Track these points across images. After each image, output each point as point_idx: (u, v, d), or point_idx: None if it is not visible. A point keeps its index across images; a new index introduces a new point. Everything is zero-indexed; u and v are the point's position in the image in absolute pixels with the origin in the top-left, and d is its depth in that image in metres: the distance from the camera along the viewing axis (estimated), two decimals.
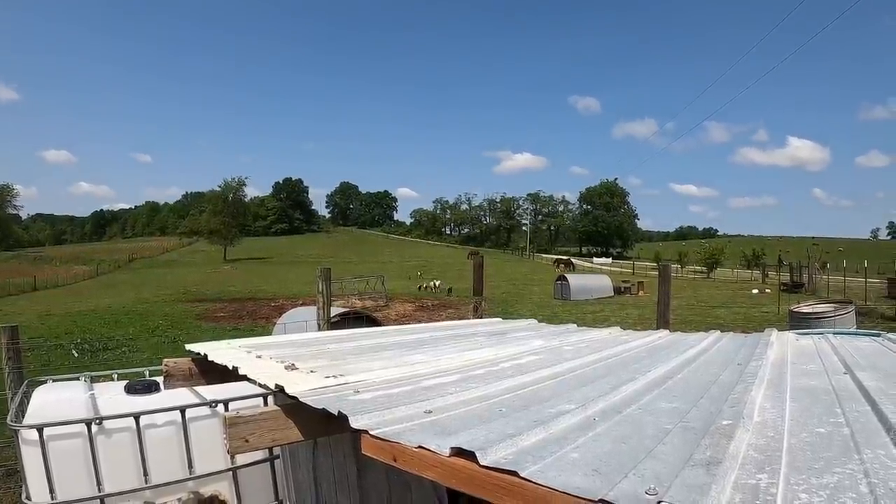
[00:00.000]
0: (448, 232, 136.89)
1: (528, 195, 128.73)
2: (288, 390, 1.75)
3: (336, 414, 1.46)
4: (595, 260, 77.34)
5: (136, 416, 3.19)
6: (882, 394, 1.65)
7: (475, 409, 1.52)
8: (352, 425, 1.37)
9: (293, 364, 2.19)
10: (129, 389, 3.57)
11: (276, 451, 3.48)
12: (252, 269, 60.39)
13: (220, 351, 2.61)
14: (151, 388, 3.57)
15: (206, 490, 3.43)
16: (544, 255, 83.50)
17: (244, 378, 2.15)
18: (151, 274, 57.08)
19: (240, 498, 3.52)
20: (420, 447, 1.21)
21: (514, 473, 1.02)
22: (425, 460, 1.19)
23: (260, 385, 2.03)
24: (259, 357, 2.43)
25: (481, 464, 1.07)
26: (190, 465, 3.34)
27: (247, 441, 1.58)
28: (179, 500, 3.34)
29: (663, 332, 3.72)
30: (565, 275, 34.17)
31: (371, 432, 1.33)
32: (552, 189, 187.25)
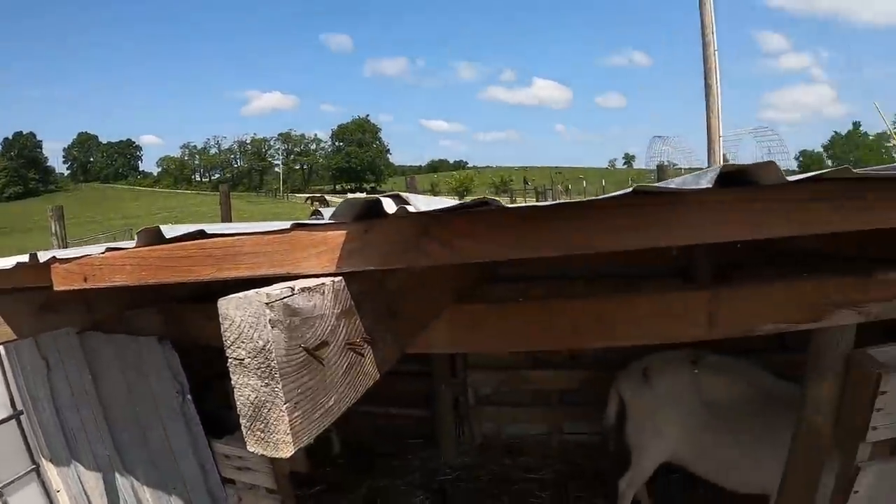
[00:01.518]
0: (199, 178, 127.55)
1: (280, 135, 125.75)
2: None
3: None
4: (349, 196, 77.94)
5: None
6: None
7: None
8: (40, 260, 1.41)
9: None
10: None
11: (19, 404, 3.04)
12: None
13: None
14: None
15: None
16: (298, 195, 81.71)
17: None
18: None
19: None
20: (108, 249, 1.27)
21: (201, 233, 1.06)
22: (114, 263, 1.22)
23: None
24: None
25: (168, 237, 1.11)
26: None
27: None
28: None
29: None
30: (320, 209, 35.59)
31: (59, 257, 1.36)
32: (304, 128, 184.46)
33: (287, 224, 1.04)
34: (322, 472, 3.84)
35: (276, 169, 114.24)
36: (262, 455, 0.75)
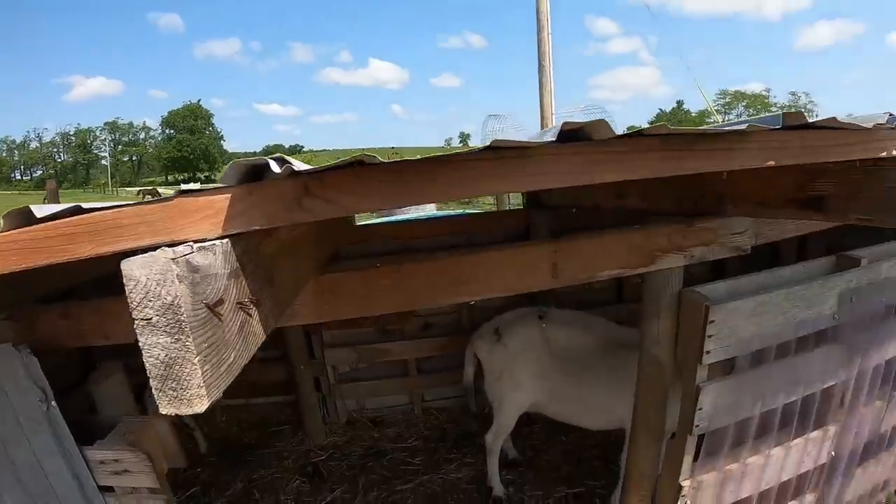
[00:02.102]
0: (19, 176, 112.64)
1: (106, 124, 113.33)
2: None
3: None
4: (183, 187, 71.63)
5: None
6: None
7: None
8: None
9: None
10: None
11: None
12: None
13: None
14: None
15: None
16: (129, 189, 73.00)
17: None
18: None
19: None
20: None
21: (77, 209, 0.94)
22: None
23: None
24: None
25: (39, 217, 0.95)
26: None
27: None
28: None
29: None
30: None
31: None
32: (132, 116, 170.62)
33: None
34: (193, 473, 3.57)
35: (104, 162, 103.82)
36: (173, 412, 0.75)
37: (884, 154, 1.46)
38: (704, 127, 1.27)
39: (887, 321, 2.50)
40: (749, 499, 2.33)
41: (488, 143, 1.06)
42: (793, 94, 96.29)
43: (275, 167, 0.95)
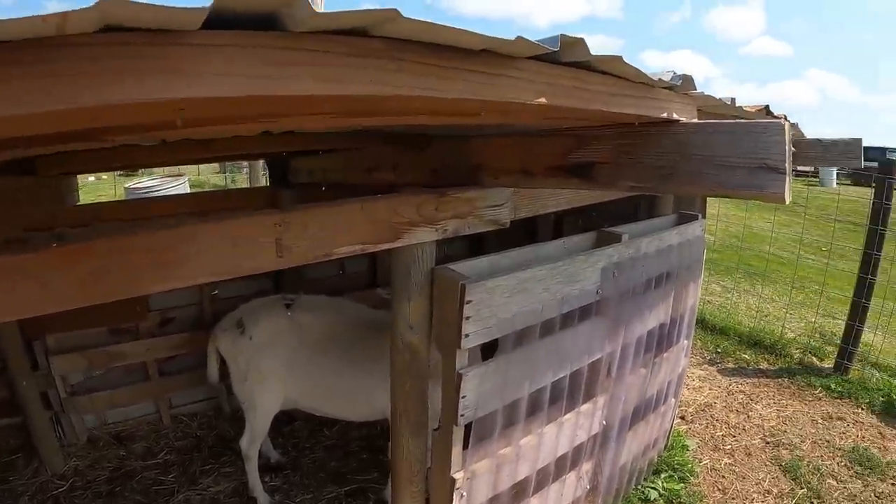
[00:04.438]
0: None
1: None
2: None
3: None
4: None
5: None
6: None
7: None
8: None
9: None
10: None
11: None
12: None
13: None
14: None
15: None
16: None
17: None
18: None
19: None
20: None
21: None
22: None
23: None
24: None
25: None
26: None
27: None
28: None
29: None
30: None
31: None
32: None
33: None
34: None
35: None
36: None
37: (664, 115, 1.34)
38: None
39: (647, 294, 2.59)
40: (527, 479, 2.25)
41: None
42: None
43: None
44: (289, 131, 2.01)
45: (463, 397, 1.78)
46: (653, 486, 3.15)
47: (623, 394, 2.62)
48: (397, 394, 1.93)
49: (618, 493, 2.95)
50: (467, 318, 1.68)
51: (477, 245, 4.18)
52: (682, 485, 3.19)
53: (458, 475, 1.94)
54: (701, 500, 3.11)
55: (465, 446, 1.93)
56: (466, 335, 1.70)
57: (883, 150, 19.43)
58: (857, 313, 4.51)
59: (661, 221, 2.91)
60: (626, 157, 1.39)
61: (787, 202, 1.14)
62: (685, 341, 3.18)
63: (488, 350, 2.01)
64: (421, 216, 1.64)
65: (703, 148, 1.24)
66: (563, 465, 2.46)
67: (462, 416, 1.81)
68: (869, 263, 4.46)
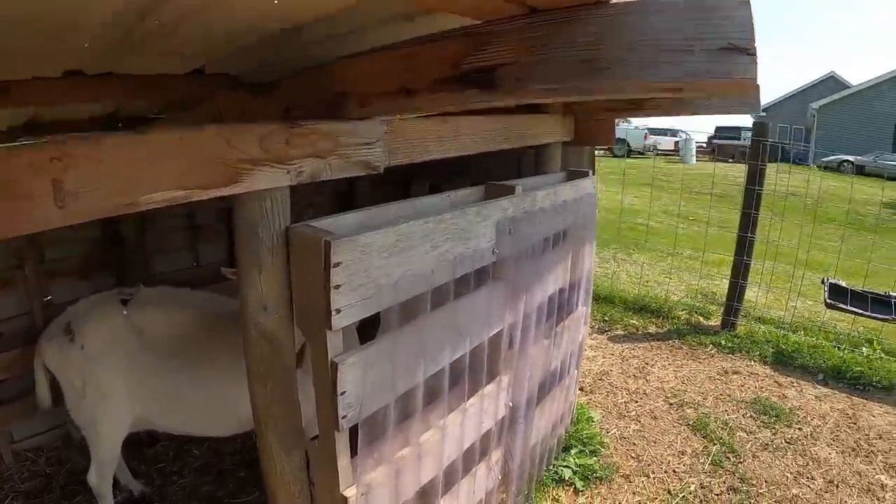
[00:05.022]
0: None
1: None
2: None
3: None
4: None
5: None
6: None
7: None
8: None
9: None
10: None
11: None
12: None
13: None
14: None
15: None
16: None
17: None
18: None
19: None
20: None
21: None
22: None
23: None
24: None
25: None
26: None
27: None
28: None
29: None
30: None
31: None
32: None
33: None
34: None
35: None
36: None
37: None
38: None
39: (546, 255, 2.35)
40: (433, 481, 1.90)
41: None
42: None
43: None
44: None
45: (342, 394, 1.38)
46: (565, 464, 2.94)
47: (528, 369, 2.36)
48: (259, 400, 1.49)
49: (531, 478, 2.70)
50: (337, 286, 1.28)
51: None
52: (594, 458, 3.01)
53: (350, 492, 1.54)
54: (616, 471, 2.95)
55: (354, 453, 1.54)
56: (337, 310, 1.30)
57: (738, 129, 21.73)
58: (740, 270, 4.66)
59: (552, 177, 2.70)
60: (539, 54, 1.07)
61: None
62: (584, 308, 3.01)
63: (368, 330, 1.63)
64: (267, 152, 1.21)
65: (646, 30, 0.95)
66: (471, 458, 2.14)
67: (344, 417, 1.41)
68: (748, 222, 4.63)
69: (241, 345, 2.11)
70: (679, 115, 2.73)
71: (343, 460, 1.50)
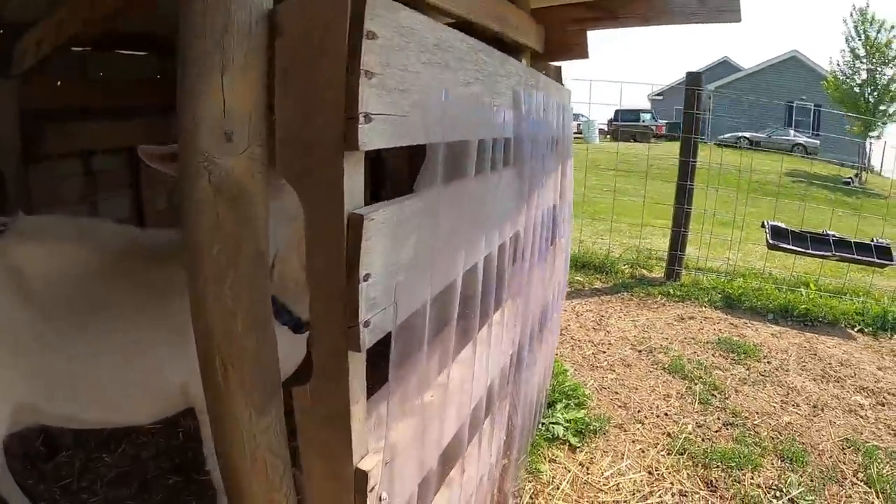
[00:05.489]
0: None
1: None
2: None
3: None
4: None
5: None
6: None
7: None
8: None
9: None
10: None
11: None
12: None
13: None
14: None
15: None
16: None
17: None
18: None
19: None
20: None
21: None
22: None
23: None
24: None
25: None
26: None
27: None
28: None
29: None
30: None
31: None
32: None
33: None
34: None
35: None
36: None
37: None
38: None
39: (548, 157, 1.93)
40: (457, 437, 1.37)
41: None
42: None
43: None
44: None
45: (365, 278, 0.81)
46: (553, 420, 2.55)
47: (531, 293, 1.91)
48: (212, 316, 0.87)
49: (526, 439, 2.26)
50: (369, 74, 0.74)
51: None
52: (583, 411, 2.65)
53: (370, 462, 0.93)
54: (609, 422, 2.61)
55: (371, 393, 0.97)
56: (366, 116, 0.75)
57: (636, 112, 22.75)
58: (681, 220, 4.60)
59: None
60: None
61: None
62: (564, 239, 2.63)
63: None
64: None
65: None
66: (479, 410, 1.64)
67: (367, 324, 0.83)
68: (686, 171, 4.59)
69: (164, 291, 1.49)
70: (658, 23, 2.43)
71: (358, 408, 0.91)
